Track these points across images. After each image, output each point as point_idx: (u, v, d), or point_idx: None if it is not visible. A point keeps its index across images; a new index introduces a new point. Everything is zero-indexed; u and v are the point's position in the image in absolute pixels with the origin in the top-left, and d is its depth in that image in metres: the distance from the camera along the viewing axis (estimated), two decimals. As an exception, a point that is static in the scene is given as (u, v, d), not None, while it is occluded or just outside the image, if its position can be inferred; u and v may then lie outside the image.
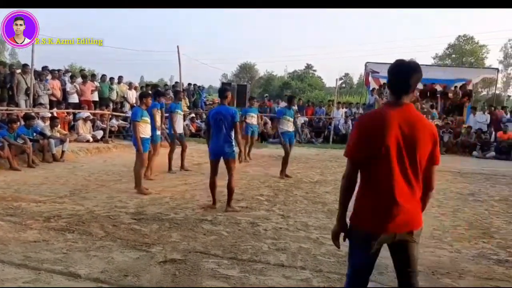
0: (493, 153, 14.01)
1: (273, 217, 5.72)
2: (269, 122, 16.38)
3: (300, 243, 4.66)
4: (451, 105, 17.92)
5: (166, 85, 20.57)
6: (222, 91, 6.09)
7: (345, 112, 17.84)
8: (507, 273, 4.10)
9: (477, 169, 10.98)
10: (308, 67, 56.53)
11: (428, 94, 18.28)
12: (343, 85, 60.81)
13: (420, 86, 18.96)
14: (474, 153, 14.23)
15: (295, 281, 3.70)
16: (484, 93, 43.40)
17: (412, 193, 2.31)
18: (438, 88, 18.76)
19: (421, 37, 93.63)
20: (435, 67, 22.53)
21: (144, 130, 6.96)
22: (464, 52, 51.01)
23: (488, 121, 15.57)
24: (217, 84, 41.93)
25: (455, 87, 18.46)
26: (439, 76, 19.25)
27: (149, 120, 7.10)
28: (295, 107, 13.52)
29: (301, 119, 17.22)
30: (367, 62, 19.25)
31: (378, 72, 19.12)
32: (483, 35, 72.39)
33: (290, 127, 8.60)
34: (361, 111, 17.64)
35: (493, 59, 72.21)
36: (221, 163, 5.97)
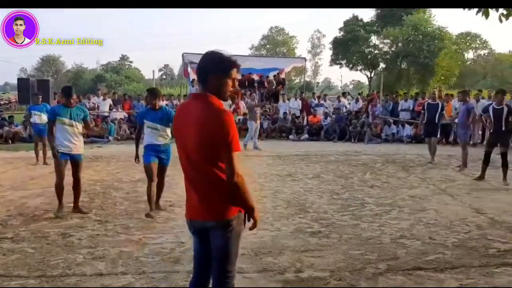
0: (306, 136, 15.93)
1: (88, 224, 5.38)
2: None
3: (121, 248, 4.50)
4: (267, 93, 19.60)
5: None
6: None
7: (166, 105, 17.84)
8: (320, 243, 4.71)
9: (293, 151, 12.31)
10: (124, 58, 54.73)
11: (246, 84, 19.62)
12: (164, 77, 60.89)
13: (238, 76, 20.28)
14: (291, 136, 15.94)
15: (116, 289, 3.56)
16: (297, 80, 48.84)
17: (208, 183, 2.41)
18: (255, 77, 20.32)
19: (239, 28, 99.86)
20: (252, 57, 24.41)
21: None
22: (277, 42, 56.38)
23: (300, 106, 17.57)
24: (14, 81, 37.15)
25: (267, 76, 20.29)
26: (256, 66, 20.84)
27: None
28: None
29: (121, 114, 16.59)
30: (184, 53, 19.58)
31: (196, 63, 19.63)
32: (292, 26, 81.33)
33: (156, 138, 5.73)
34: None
35: (302, 49, 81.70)
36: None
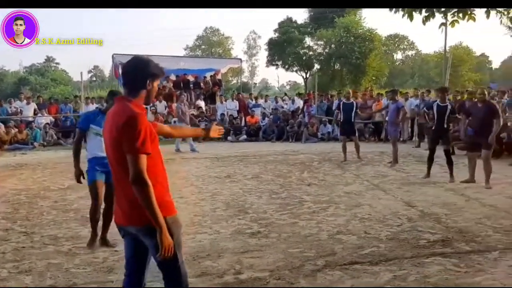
0: (244, 136, 16.01)
1: (13, 236, 5.05)
2: (2, 126, 14.34)
3: (49, 259, 4.27)
4: (204, 94, 19.48)
5: None
6: None
7: (97, 108, 17.22)
8: (259, 243, 4.74)
9: (232, 153, 12.31)
10: (49, 59, 52.08)
11: (182, 85, 19.40)
12: (94, 79, 58.66)
13: (173, 77, 20.01)
14: (229, 138, 15.91)
15: (43, 304, 3.36)
16: (234, 81, 49.02)
17: (121, 188, 2.44)
18: (191, 78, 20.14)
19: (173, 28, 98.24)
20: (186, 58, 24.11)
21: None
22: (212, 43, 56.25)
23: (237, 107, 17.62)
24: None
25: (205, 77, 20.20)
26: (191, 66, 20.66)
27: None
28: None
29: (47, 119, 15.75)
30: (114, 54, 19.07)
31: None
32: (227, 27, 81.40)
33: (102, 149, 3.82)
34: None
35: (238, 50, 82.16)
36: None
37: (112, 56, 18.98)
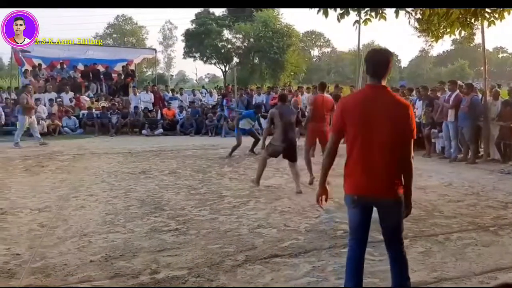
0: (161, 130, 15.66)
1: None
2: None
3: None
4: (116, 85, 18.74)
5: None
6: None
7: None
8: (177, 241, 4.63)
9: (147, 147, 11.98)
10: None
11: (91, 76, 18.50)
12: (-10, 67, 54.15)
13: (81, 67, 18.97)
14: (144, 131, 15.49)
15: None
16: (149, 73, 47.74)
17: (380, 164, 2.86)
18: (101, 68, 19.23)
19: (80, 15, 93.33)
20: (95, 47, 22.71)
21: None
22: (124, 32, 54.28)
23: (152, 99, 17.14)
24: None
25: (123, 66, 19.42)
26: (100, 56, 19.68)
27: None
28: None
29: None
30: (15, 41, 17.60)
31: (29, 52, 17.68)
32: (140, 15, 78.77)
33: None
34: (14, 96, 16.01)
35: (153, 40, 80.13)
36: None
37: (13, 44, 17.50)
